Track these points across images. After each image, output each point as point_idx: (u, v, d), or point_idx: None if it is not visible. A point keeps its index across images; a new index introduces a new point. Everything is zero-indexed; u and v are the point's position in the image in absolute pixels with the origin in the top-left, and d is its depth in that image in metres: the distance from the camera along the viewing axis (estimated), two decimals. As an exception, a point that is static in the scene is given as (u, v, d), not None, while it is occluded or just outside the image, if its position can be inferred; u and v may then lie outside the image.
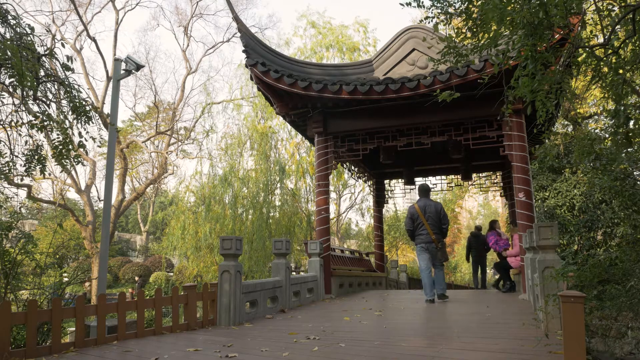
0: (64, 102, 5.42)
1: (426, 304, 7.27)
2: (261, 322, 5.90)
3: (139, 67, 9.74)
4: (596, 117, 14.18)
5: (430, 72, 8.02)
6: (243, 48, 8.55)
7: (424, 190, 7.79)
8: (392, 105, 8.52)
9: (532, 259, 5.54)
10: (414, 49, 9.17)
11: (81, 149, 5.58)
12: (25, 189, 19.66)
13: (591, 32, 4.94)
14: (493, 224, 9.96)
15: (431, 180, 13.06)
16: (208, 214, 16.93)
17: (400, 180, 13.17)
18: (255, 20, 54.48)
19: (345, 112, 9.00)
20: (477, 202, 42.50)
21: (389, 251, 26.63)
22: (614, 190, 5.74)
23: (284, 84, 8.40)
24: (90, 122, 5.34)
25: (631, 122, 4.00)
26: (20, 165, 5.49)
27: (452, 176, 13.56)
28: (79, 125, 5.36)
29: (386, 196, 13.16)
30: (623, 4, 3.74)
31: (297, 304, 7.57)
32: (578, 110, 13.55)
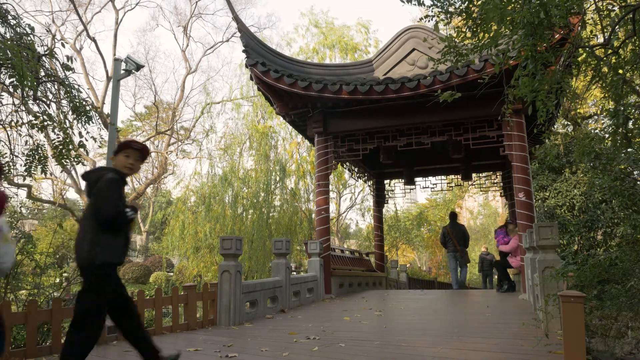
0: (64, 102, 5.43)
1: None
2: (261, 322, 5.90)
3: (138, 67, 9.73)
4: (596, 117, 14.17)
5: (430, 72, 8.01)
6: (243, 48, 8.54)
7: (454, 216, 11.32)
8: (392, 105, 8.52)
9: (532, 259, 5.54)
10: (414, 49, 9.16)
11: (81, 149, 5.58)
12: (25, 189, 19.65)
13: (591, 32, 4.94)
14: (507, 224, 9.90)
15: (431, 180, 13.04)
16: (208, 213, 16.91)
17: (400, 180, 13.15)
18: (254, 19, 54.55)
19: (345, 112, 8.99)
20: (477, 202, 42.46)
21: (389, 251, 26.60)
22: (614, 190, 5.73)
23: (283, 84, 8.40)
24: (90, 122, 5.34)
25: (630, 122, 4.00)
26: (21, 165, 5.50)
27: (452, 176, 13.54)
28: (79, 125, 5.37)
29: (386, 196, 13.14)
30: (623, 4, 3.74)
31: (297, 303, 7.57)
32: (578, 110, 13.54)
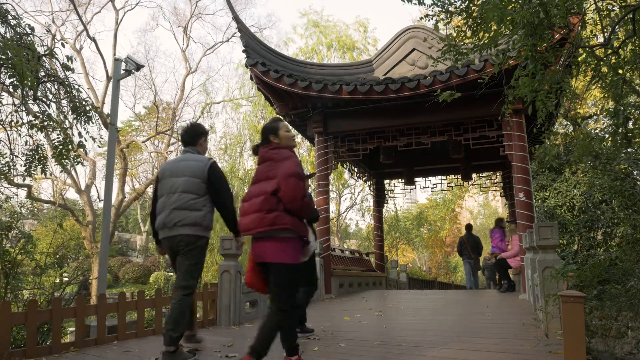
0: (64, 102, 5.42)
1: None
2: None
3: (138, 67, 9.74)
4: (596, 117, 14.16)
5: (430, 72, 8.01)
6: (243, 48, 8.54)
7: (469, 228, 12.45)
8: (392, 105, 8.52)
9: (532, 259, 5.53)
10: (414, 49, 9.16)
11: (81, 149, 5.58)
12: (25, 189, 19.64)
13: (591, 32, 4.94)
14: (500, 222, 10.10)
15: (431, 181, 13.05)
16: (208, 214, 16.87)
17: (400, 180, 13.15)
18: (254, 20, 54.30)
19: (345, 112, 8.99)
20: (477, 202, 42.46)
21: (389, 251, 26.60)
22: (614, 190, 5.74)
23: (284, 84, 8.39)
24: (90, 122, 5.34)
25: (630, 122, 4.01)
26: (20, 165, 5.50)
27: (452, 176, 13.55)
28: (79, 125, 5.36)
29: (386, 196, 13.14)
30: (623, 4, 3.74)
31: (297, 304, 7.56)
32: (578, 110, 13.53)
